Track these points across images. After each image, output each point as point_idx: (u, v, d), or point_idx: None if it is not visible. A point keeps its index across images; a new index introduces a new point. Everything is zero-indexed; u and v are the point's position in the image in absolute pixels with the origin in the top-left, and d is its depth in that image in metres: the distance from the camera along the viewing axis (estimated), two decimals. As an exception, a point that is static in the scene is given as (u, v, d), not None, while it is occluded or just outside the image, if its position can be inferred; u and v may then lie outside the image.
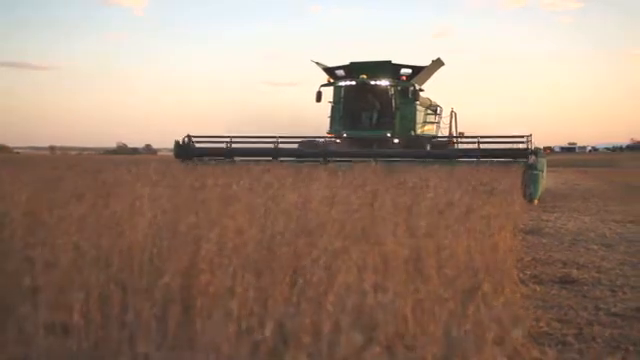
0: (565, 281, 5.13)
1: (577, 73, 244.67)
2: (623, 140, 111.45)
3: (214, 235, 2.88)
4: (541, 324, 3.77)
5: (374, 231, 3.11)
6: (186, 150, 14.53)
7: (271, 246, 3.03)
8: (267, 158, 13.56)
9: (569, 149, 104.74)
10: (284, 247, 2.99)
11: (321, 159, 13.04)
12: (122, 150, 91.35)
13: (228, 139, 14.42)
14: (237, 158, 13.89)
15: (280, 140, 14.30)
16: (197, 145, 14.78)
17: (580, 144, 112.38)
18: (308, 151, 14.09)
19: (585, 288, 4.89)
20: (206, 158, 14.10)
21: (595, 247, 6.81)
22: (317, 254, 2.86)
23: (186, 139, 14.61)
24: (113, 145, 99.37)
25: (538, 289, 4.81)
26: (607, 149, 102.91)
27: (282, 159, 13.37)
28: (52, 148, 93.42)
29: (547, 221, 9.15)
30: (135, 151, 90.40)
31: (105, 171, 7.89)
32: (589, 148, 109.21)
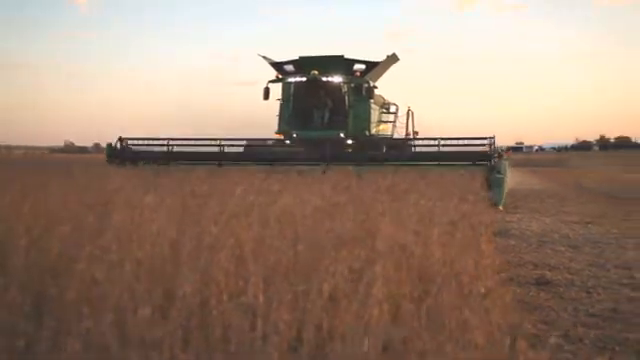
0: (540, 283, 5.37)
1: (523, 73, 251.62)
2: (568, 139, 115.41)
3: (229, 244, 2.94)
4: (528, 326, 3.95)
5: (383, 243, 3.23)
6: (120, 153, 13.26)
7: (283, 257, 3.11)
8: (211, 162, 12.35)
9: (516, 148, 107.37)
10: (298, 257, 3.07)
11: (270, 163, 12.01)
12: (70, 149, 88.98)
13: (166, 141, 13.29)
14: (175, 163, 12.65)
15: (224, 143, 13.11)
16: (133, 148, 13.52)
17: (527, 143, 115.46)
18: (256, 155, 13.18)
19: (560, 289, 5.13)
20: (142, 162, 12.72)
21: (562, 249, 7.11)
22: (328, 263, 2.95)
23: (119, 142, 13.40)
24: (60, 144, 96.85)
25: (518, 291, 5.03)
26: (553, 148, 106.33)
27: (225, 163, 12.30)
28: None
29: (511, 222, 9.47)
30: (83, 150, 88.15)
31: (77, 173, 7.78)
32: (536, 147, 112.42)
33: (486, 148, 11.53)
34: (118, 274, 2.36)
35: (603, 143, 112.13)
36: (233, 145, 13.47)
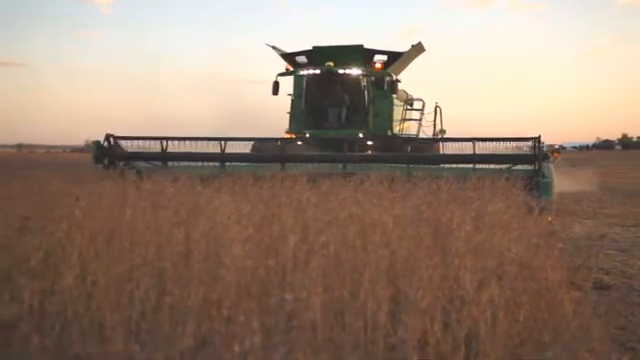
0: (600, 287, 5.44)
1: (543, 72, 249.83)
2: (589, 138, 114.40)
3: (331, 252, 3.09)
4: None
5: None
6: (109, 153, 11.26)
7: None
8: (212, 163, 10.95)
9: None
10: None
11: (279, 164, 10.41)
12: (90, 148, 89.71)
13: (161, 140, 11.20)
14: (171, 163, 11.13)
15: (227, 141, 11.01)
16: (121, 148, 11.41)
17: (548, 143, 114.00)
18: (263, 155, 11.34)
19: (621, 294, 5.20)
20: (143, 164, 11.18)
21: (612, 252, 7.17)
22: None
23: (110, 139, 11.30)
24: (81, 143, 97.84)
25: (578, 295, 5.10)
26: (574, 147, 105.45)
27: (229, 164, 10.78)
28: (20, 146, 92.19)
29: (554, 225, 9.47)
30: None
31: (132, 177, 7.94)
32: (557, 146, 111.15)
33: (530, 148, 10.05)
34: (251, 279, 2.53)
35: (626, 142, 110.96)
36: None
